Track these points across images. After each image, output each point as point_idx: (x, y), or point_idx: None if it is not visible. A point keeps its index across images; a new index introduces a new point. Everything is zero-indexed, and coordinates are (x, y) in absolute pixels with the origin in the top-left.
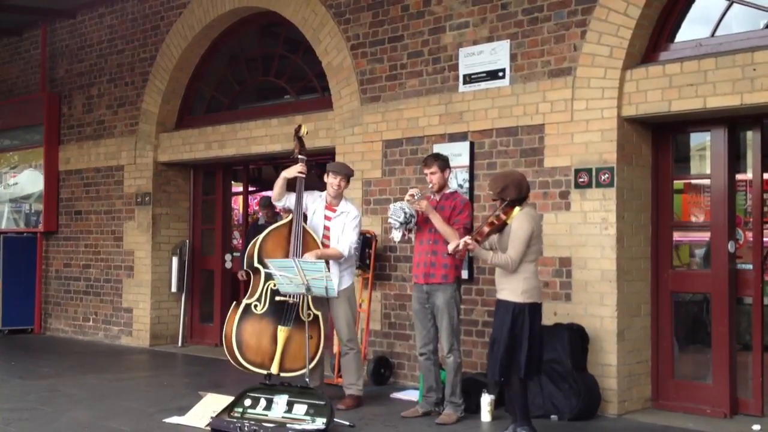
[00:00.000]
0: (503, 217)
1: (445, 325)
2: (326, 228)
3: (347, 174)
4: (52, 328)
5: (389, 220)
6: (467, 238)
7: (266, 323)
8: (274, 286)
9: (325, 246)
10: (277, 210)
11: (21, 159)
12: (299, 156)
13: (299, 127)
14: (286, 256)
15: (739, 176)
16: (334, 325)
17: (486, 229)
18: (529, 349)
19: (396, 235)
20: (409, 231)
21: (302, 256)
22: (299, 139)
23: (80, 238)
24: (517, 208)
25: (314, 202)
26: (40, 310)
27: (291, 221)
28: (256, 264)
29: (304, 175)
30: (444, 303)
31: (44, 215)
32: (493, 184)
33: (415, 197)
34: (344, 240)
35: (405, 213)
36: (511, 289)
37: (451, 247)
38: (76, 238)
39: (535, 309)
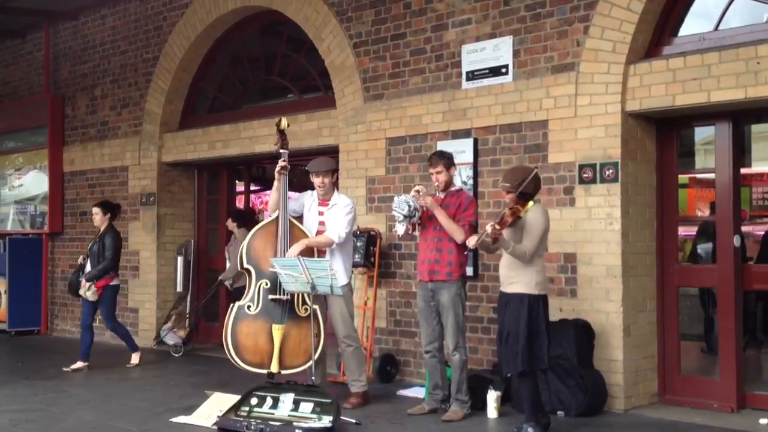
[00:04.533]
0: (520, 209)
1: (450, 322)
2: (321, 223)
3: (327, 170)
4: (58, 329)
5: (393, 213)
6: (495, 225)
7: (261, 323)
8: (266, 285)
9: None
10: None
11: (25, 160)
12: (281, 150)
13: (279, 120)
14: (275, 252)
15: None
16: (332, 323)
17: (509, 219)
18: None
19: (399, 229)
20: (413, 226)
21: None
22: (280, 133)
23: (85, 238)
24: (531, 202)
25: (308, 201)
26: (47, 311)
27: (278, 217)
28: (245, 265)
29: (286, 172)
30: (449, 300)
31: (49, 216)
32: (511, 177)
33: (421, 193)
34: (333, 228)
35: (409, 206)
36: (525, 282)
37: (471, 242)
38: (81, 239)
39: (546, 301)
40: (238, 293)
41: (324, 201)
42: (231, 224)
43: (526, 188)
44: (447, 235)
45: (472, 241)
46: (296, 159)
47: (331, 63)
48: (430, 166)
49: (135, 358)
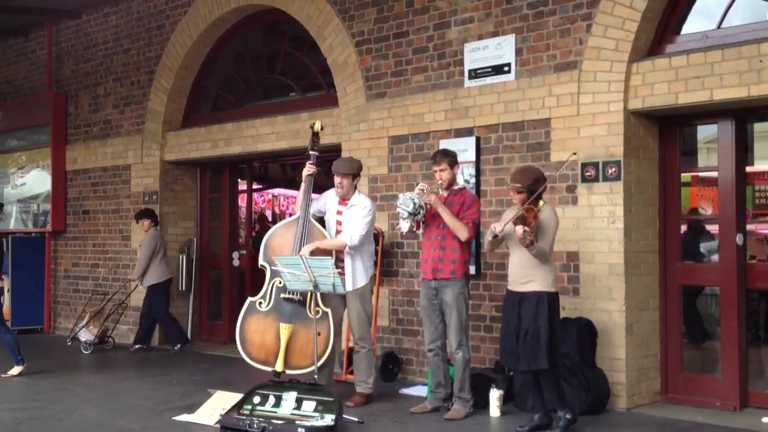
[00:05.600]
0: (534, 209)
1: (453, 321)
2: (338, 223)
3: (346, 173)
4: (61, 328)
5: (397, 210)
6: (526, 228)
7: (271, 321)
8: (280, 283)
9: None
10: None
11: (28, 159)
12: (310, 152)
13: (314, 123)
14: (291, 252)
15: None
16: (348, 323)
17: (532, 221)
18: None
19: (404, 226)
20: (417, 223)
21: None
22: (314, 135)
23: (88, 237)
24: (541, 202)
25: (330, 201)
26: (49, 309)
27: (298, 217)
28: (261, 262)
29: (313, 173)
30: (452, 299)
31: (52, 215)
32: (522, 176)
33: (425, 191)
34: (347, 230)
35: (414, 203)
36: (542, 280)
37: (498, 228)
38: (83, 237)
39: (558, 298)
40: (152, 292)
41: (344, 201)
42: (148, 224)
43: (538, 187)
44: (451, 233)
45: (499, 227)
46: (297, 158)
47: (333, 61)
48: (434, 164)
49: (14, 371)
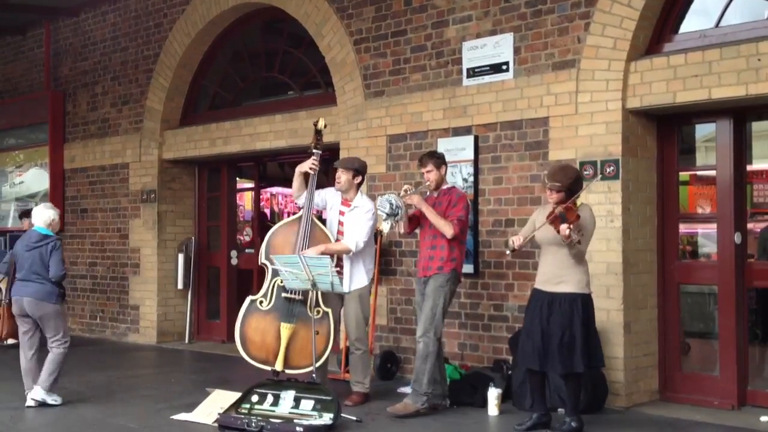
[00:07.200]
0: (574, 208)
1: (426, 308)
2: (340, 223)
3: (347, 167)
4: None
5: (378, 211)
6: (570, 226)
7: (271, 320)
8: (281, 282)
9: (338, 241)
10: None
11: (26, 158)
12: (314, 150)
13: (317, 120)
14: (294, 251)
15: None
16: (344, 323)
17: (575, 220)
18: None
19: (384, 227)
20: (405, 224)
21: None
22: (317, 132)
23: (86, 236)
24: (579, 201)
25: (332, 198)
26: None
27: (300, 216)
28: (263, 260)
29: (315, 170)
30: (432, 290)
31: None
32: (562, 175)
33: (408, 192)
34: (352, 234)
35: (391, 205)
36: (576, 281)
37: (518, 243)
38: (82, 236)
39: (592, 299)
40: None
41: (346, 201)
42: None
43: (578, 186)
44: (440, 232)
45: (519, 241)
46: (296, 156)
47: (331, 60)
48: (421, 166)
49: None
